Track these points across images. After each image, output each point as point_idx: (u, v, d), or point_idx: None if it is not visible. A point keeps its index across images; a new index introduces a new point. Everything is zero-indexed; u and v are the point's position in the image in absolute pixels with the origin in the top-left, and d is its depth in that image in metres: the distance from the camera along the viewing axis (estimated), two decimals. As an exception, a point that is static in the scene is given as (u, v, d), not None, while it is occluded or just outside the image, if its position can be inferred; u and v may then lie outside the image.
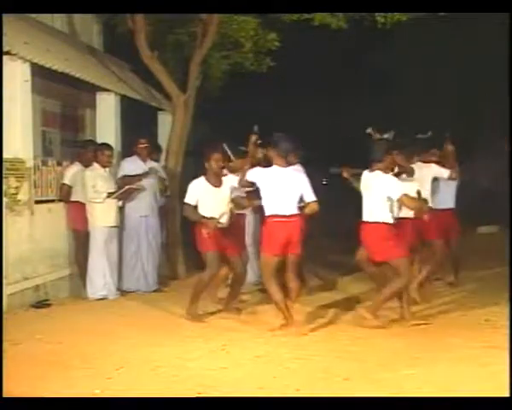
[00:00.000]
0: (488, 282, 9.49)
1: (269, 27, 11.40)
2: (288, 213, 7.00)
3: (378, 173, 7.16)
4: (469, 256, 10.67)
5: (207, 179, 7.58)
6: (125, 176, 9.01)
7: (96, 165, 8.69)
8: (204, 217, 7.42)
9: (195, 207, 7.53)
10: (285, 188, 7.03)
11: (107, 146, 8.93)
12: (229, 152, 8.11)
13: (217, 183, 7.62)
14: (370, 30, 11.01)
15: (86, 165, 8.82)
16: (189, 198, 7.53)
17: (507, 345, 6.11)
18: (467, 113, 18.48)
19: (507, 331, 6.80)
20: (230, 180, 7.70)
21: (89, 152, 8.93)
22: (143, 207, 9.18)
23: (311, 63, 18.29)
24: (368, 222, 7.18)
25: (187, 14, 10.51)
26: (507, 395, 4.80)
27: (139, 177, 8.97)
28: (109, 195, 8.61)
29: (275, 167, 7.13)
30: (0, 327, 6.28)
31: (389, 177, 7.21)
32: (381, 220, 7.09)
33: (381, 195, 7.10)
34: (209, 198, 7.52)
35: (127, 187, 8.83)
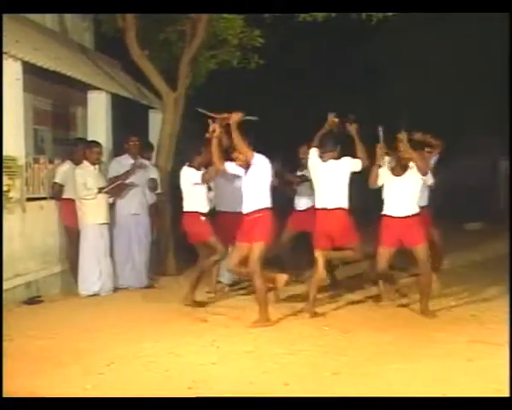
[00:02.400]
0: (474, 277, 9.51)
1: (255, 24, 11.41)
2: None
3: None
4: (456, 251, 10.81)
5: None
6: (114, 177, 8.99)
7: (85, 163, 8.68)
8: None
9: None
10: None
11: (95, 143, 8.91)
12: None
13: None
14: (357, 24, 10.98)
15: (77, 163, 8.81)
16: None
17: (502, 341, 6.21)
18: (452, 112, 18.56)
19: (492, 326, 6.90)
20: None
21: (79, 150, 8.91)
22: (134, 204, 9.18)
23: (298, 58, 18.26)
24: None
25: (176, 14, 10.53)
26: (496, 391, 4.88)
27: (126, 174, 8.94)
28: (100, 190, 8.61)
29: None
30: (0, 325, 6.28)
31: None
32: None
33: None
34: None
35: (118, 182, 8.84)
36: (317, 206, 7.60)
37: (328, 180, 7.47)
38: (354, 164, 7.50)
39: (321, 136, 7.70)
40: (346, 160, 7.52)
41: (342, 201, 7.48)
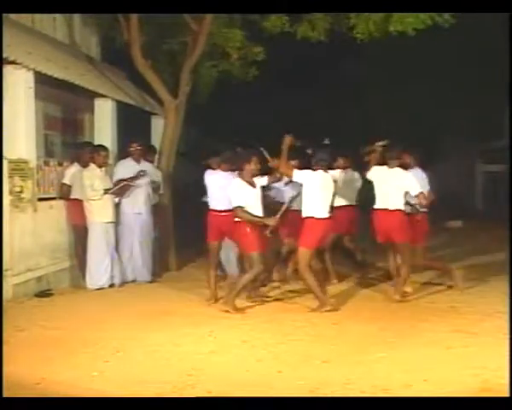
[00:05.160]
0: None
1: (254, 39, 11.38)
2: None
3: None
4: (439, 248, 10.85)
5: (245, 181, 7.43)
6: (120, 180, 8.98)
7: (92, 165, 8.69)
8: (260, 217, 7.39)
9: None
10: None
11: (102, 147, 8.93)
12: (265, 153, 7.70)
13: (253, 184, 7.50)
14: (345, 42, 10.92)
15: (84, 165, 8.81)
16: (239, 201, 7.33)
17: (478, 330, 6.31)
18: (433, 118, 18.57)
19: (469, 317, 6.96)
20: (260, 181, 7.60)
21: (86, 153, 8.92)
22: (138, 204, 9.17)
23: (293, 71, 18.25)
24: None
25: (178, 26, 10.53)
26: (472, 376, 4.91)
27: (132, 179, 8.93)
28: (106, 191, 8.62)
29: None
30: (0, 321, 6.28)
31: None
32: None
33: None
34: (251, 199, 7.42)
35: (123, 183, 8.85)
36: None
37: None
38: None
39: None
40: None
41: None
